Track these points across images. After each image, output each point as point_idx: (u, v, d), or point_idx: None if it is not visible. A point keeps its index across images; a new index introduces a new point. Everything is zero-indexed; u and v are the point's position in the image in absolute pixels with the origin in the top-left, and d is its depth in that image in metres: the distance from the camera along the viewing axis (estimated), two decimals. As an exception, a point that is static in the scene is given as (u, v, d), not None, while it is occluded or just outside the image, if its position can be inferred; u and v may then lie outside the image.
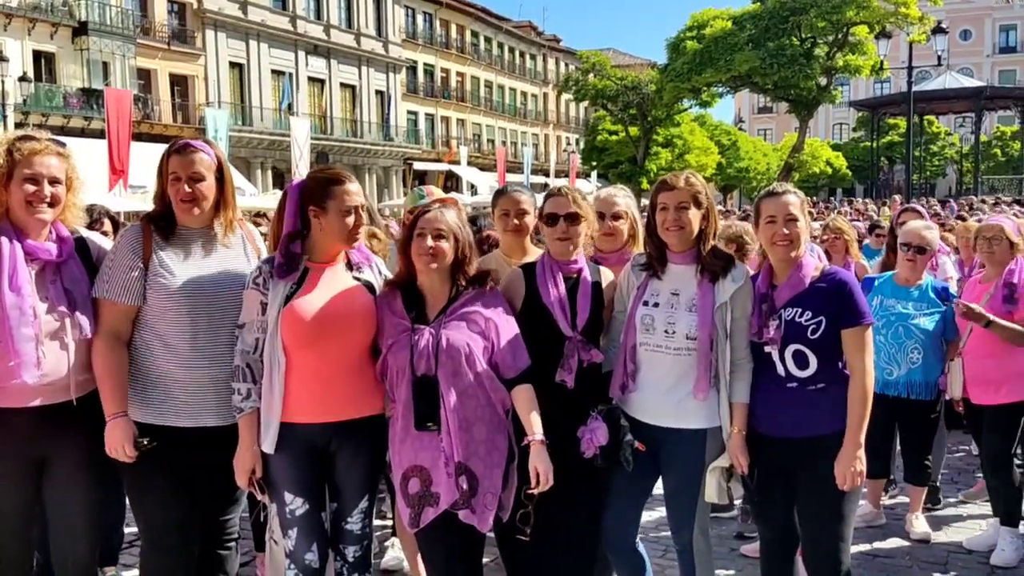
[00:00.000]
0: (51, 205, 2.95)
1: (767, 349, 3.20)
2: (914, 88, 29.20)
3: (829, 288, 3.18)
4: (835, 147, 57.44)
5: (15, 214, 2.93)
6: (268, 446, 2.96)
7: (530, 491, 3.01)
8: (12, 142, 2.94)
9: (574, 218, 3.28)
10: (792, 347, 3.17)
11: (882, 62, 31.39)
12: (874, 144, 41.61)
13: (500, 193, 3.92)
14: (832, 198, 41.90)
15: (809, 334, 3.15)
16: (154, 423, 3.02)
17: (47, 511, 3.07)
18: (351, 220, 3.00)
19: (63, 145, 3.06)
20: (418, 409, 2.97)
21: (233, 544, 3.32)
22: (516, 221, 3.73)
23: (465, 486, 2.97)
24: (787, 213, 3.19)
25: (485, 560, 4.36)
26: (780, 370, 3.20)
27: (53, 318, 2.93)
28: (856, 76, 40.15)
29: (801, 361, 3.17)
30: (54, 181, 2.95)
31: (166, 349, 3.02)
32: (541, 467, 2.97)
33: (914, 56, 27.90)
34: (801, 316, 3.17)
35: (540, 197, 3.66)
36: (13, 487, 2.96)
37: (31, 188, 2.90)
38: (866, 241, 8.27)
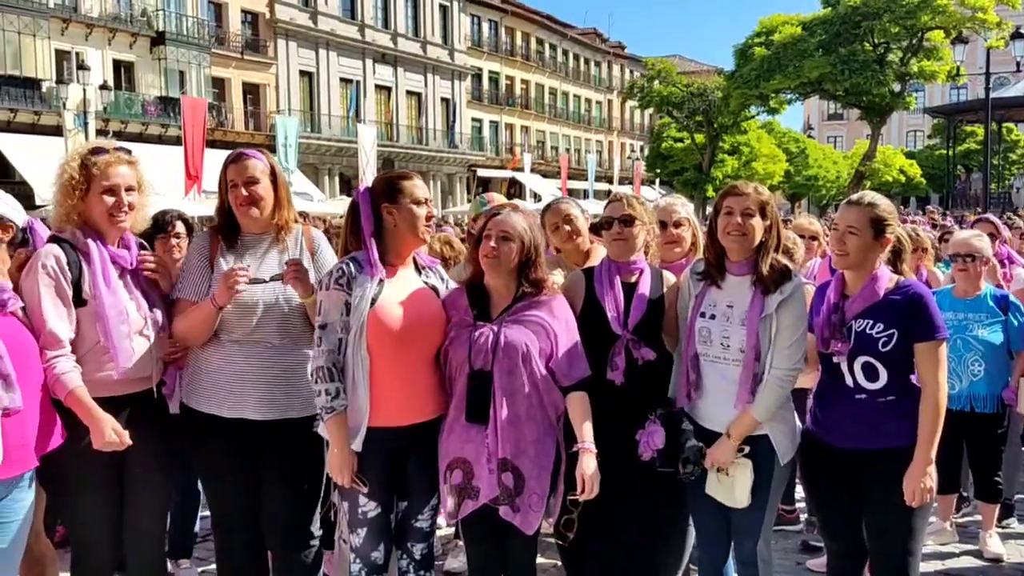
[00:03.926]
0: (128, 212, 3.13)
1: (835, 360, 3.16)
2: (992, 95, 28.30)
3: (903, 301, 3.11)
4: (909, 155, 55.97)
5: (95, 223, 3.10)
6: (357, 444, 3.03)
7: (574, 497, 3.04)
8: (85, 156, 3.09)
9: (628, 221, 3.34)
10: (861, 359, 3.12)
11: (958, 68, 30.48)
12: (950, 152, 40.43)
13: (545, 209, 4.06)
14: (906, 207, 40.82)
15: (880, 347, 3.09)
16: (211, 413, 3.20)
17: (127, 499, 3.18)
18: (422, 211, 3.12)
19: (130, 152, 3.22)
20: (470, 402, 3.04)
21: (310, 552, 3.34)
22: (568, 228, 3.90)
23: (509, 484, 3.00)
24: (847, 224, 3.14)
25: (549, 562, 4.39)
26: (849, 381, 3.16)
27: (139, 316, 3.13)
28: (931, 82, 39.13)
29: (871, 373, 3.12)
30: (129, 189, 3.12)
31: (219, 345, 3.21)
32: (588, 474, 2.99)
33: (992, 62, 27.07)
34: (872, 328, 3.11)
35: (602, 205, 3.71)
36: (103, 476, 3.08)
37: (111, 200, 3.07)
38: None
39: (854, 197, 3.26)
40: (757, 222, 3.11)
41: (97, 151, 3.10)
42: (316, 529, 3.35)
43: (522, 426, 3.04)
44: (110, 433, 2.91)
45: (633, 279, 3.36)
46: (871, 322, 3.12)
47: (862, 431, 3.14)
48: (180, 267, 3.32)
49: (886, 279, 3.18)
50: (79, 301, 3.01)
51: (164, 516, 3.37)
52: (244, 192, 3.20)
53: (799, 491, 5.08)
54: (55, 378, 2.91)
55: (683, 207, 3.82)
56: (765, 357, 3.09)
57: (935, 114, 46.61)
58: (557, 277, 3.45)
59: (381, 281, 3.05)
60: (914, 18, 33.57)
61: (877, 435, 3.12)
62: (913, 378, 3.15)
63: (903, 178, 51.72)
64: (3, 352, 2.66)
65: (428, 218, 3.14)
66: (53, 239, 3.08)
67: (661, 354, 3.33)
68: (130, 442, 2.96)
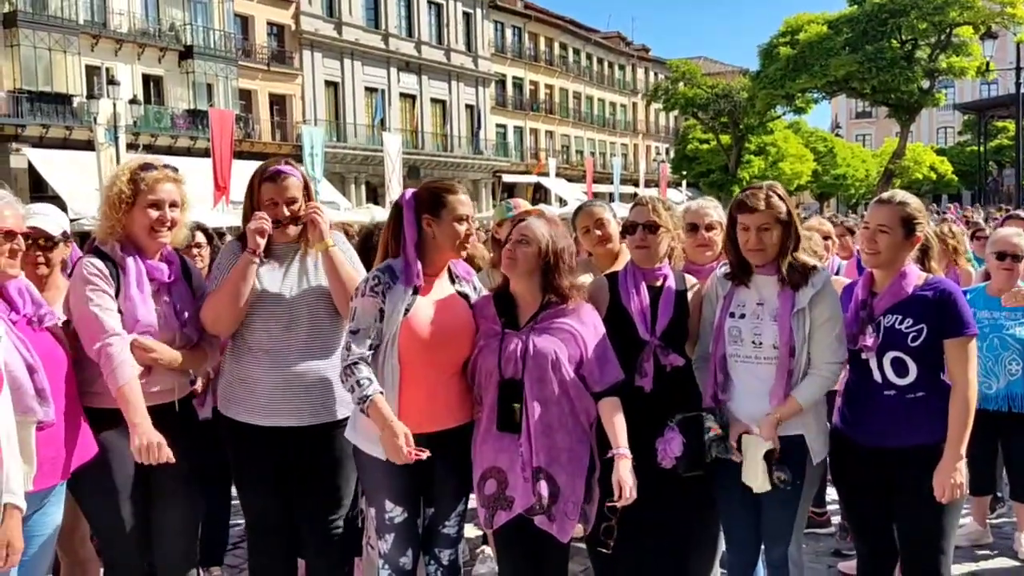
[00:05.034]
0: (170, 228, 3.18)
1: (864, 356, 3.14)
2: (1023, 89, 27.89)
3: (933, 297, 3.10)
4: (939, 152, 55.37)
5: (136, 237, 3.17)
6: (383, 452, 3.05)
7: (612, 503, 3.03)
8: (135, 171, 3.16)
9: (652, 227, 3.33)
10: (891, 354, 3.10)
11: (988, 63, 30.11)
12: (981, 148, 39.89)
13: (577, 211, 4.03)
14: (938, 204, 40.34)
15: (909, 341, 3.08)
16: (245, 422, 3.25)
17: (154, 511, 3.22)
18: (463, 228, 3.12)
19: (176, 171, 3.28)
20: (502, 411, 3.04)
21: (342, 556, 3.40)
22: (599, 232, 3.85)
23: (544, 493, 2.99)
24: (878, 223, 3.14)
25: (577, 568, 4.38)
26: (877, 377, 3.14)
27: (166, 333, 3.17)
28: (961, 78, 38.72)
29: (900, 368, 3.10)
30: (173, 205, 3.19)
31: (251, 352, 3.26)
32: (624, 481, 2.98)
33: (1023, 56, 26.68)
34: (901, 323, 3.10)
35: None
36: (129, 486, 3.11)
37: (155, 214, 3.13)
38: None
39: (884, 196, 3.25)
40: (775, 233, 3.10)
41: (147, 167, 3.16)
42: (343, 529, 3.39)
43: (555, 434, 3.03)
44: (144, 439, 2.89)
45: (658, 284, 3.35)
46: (900, 317, 3.11)
47: (891, 428, 3.11)
48: (214, 271, 3.37)
49: (915, 276, 3.17)
50: None
51: (195, 524, 3.39)
52: (286, 212, 3.26)
53: (830, 493, 5.05)
54: (110, 371, 2.92)
55: (715, 210, 3.77)
56: (800, 353, 3.08)
57: (965, 110, 46.10)
58: (585, 279, 3.46)
59: (416, 291, 3.07)
60: (942, 14, 33.23)
61: (907, 432, 3.10)
62: (943, 376, 3.13)
63: (934, 175, 51.13)
64: (39, 366, 2.71)
65: (467, 236, 3.14)
66: (94, 251, 3.15)
67: (689, 360, 3.33)
68: (168, 458, 2.93)
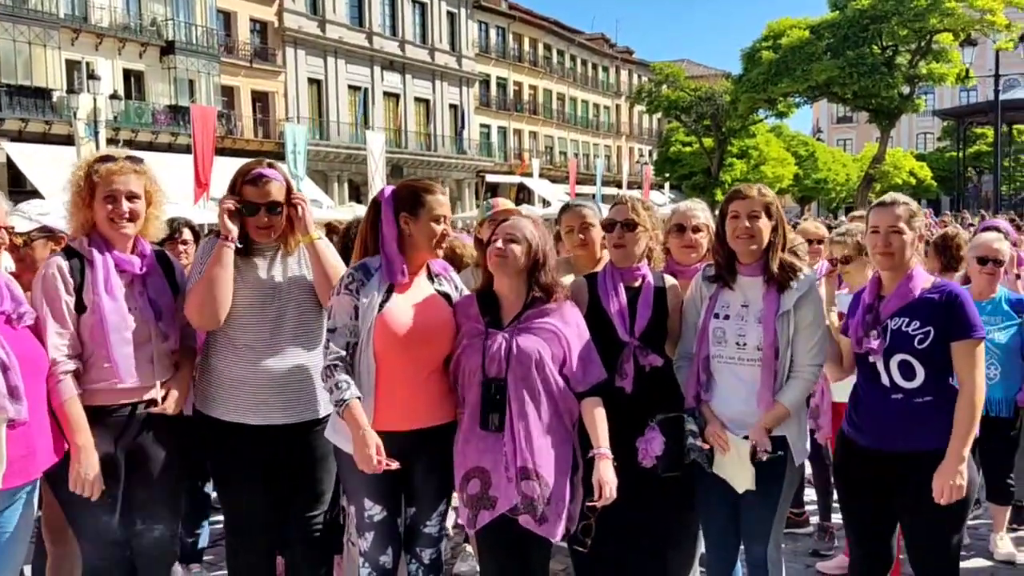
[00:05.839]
0: (131, 220, 3.12)
1: (871, 359, 3.14)
2: (1002, 96, 28.23)
3: (940, 300, 3.09)
4: (919, 157, 55.81)
5: (101, 229, 3.12)
6: None
7: (592, 503, 3.03)
8: (91, 164, 3.12)
9: (630, 225, 3.34)
10: (898, 357, 3.09)
11: (967, 70, 30.43)
12: (960, 154, 40.28)
13: (564, 209, 4.01)
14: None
15: (916, 343, 3.06)
16: (230, 420, 3.21)
17: (134, 508, 3.19)
18: (439, 228, 3.12)
19: (140, 162, 3.22)
20: (484, 409, 3.03)
21: (324, 554, 3.41)
22: (581, 236, 3.82)
23: (528, 492, 2.98)
24: (889, 225, 3.14)
25: (558, 567, 4.39)
26: (885, 380, 3.12)
27: (141, 328, 3.12)
28: (940, 84, 39.07)
29: (907, 371, 3.08)
30: (132, 197, 3.12)
31: (235, 351, 3.22)
32: (605, 481, 2.98)
33: (1001, 64, 27.03)
34: (908, 325, 3.08)
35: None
36: (113, 480, 3.09)
37: (111, 206, 3.08)
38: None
39: (886, 199, 3.25)
40: (764, 223, 3.15)
41: (104, 159, 3.12)
42: (323, 527, 3.38)
43: (539, 434, 3.03)
44: (86, 471, 2.91)
45: (636, 284, 3.36)
46: (907, 319, 3.10)
47: (898, 432, 3.09)
48: (194, 266, 3.32)
49: (922, 279, 3.16)
50: (81, 308, 3.02)
51: (175, 522, 3.37)
52: (265, 219, 3.23)
53: (808, 494, 5.08)
54: (54, 386, 2.92)
55: (703, 212, 3.78)
56: (784, 354, 3.11)
57: (945, 116, 46.51)
58: (567, 280, 3.45)
59: (391, 287, 3.06)
60: (922, 21, 33.53)
61: (913, 436, 3.07)
62: (951, 380, 3.10)
63: (913, 181, 51.50)
64: (13, 364, 2.68)
65: (443, 235, 3.14)
66: (65, 248, 3.12)
67: (667, 360, 3.34)
68: (97, 495, 2.96)
